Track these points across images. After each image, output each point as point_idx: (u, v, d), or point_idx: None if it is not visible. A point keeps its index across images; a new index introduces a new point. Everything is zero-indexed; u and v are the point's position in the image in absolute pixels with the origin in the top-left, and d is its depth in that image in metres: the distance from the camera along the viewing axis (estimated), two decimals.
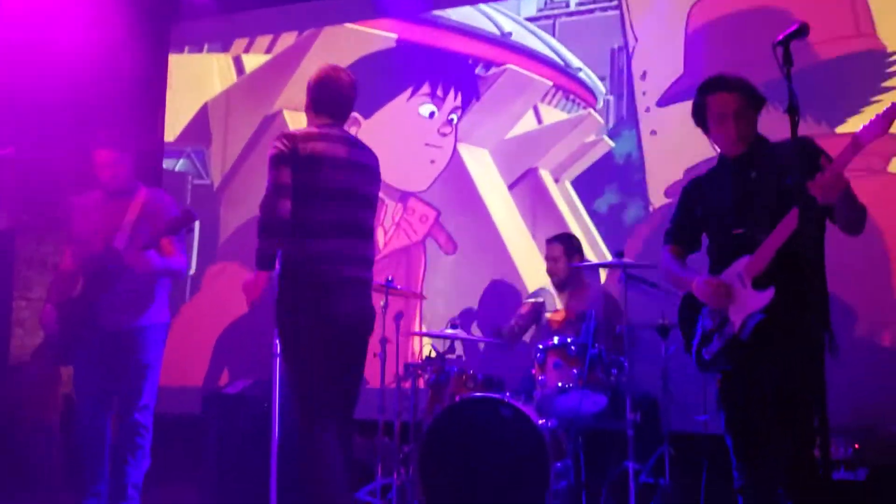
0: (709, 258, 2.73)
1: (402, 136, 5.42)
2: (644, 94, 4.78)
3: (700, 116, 2.71)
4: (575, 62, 5.14)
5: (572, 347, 3.76)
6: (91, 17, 5.32)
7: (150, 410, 3.66)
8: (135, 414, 3.62)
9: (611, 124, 4.94)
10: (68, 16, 5.26)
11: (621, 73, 4.97)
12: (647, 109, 4.79)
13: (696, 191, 2.79)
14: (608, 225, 4.79)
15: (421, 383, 4.20)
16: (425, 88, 5.39)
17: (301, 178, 2.84)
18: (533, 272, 4.97)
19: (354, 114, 5.43)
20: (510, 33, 5.31)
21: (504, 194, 5.18)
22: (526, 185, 5.15)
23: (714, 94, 2.65)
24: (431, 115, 5.37)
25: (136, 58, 5.68)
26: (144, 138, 5.68)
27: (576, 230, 4.90)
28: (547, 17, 5.24)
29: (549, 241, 4.43)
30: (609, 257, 4.19)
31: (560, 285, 4.36)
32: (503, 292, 4.97)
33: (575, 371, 3.73)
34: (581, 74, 5.12)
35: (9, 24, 5.10)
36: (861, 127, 2.31)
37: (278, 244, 2.82)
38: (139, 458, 3.62)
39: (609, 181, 4.91)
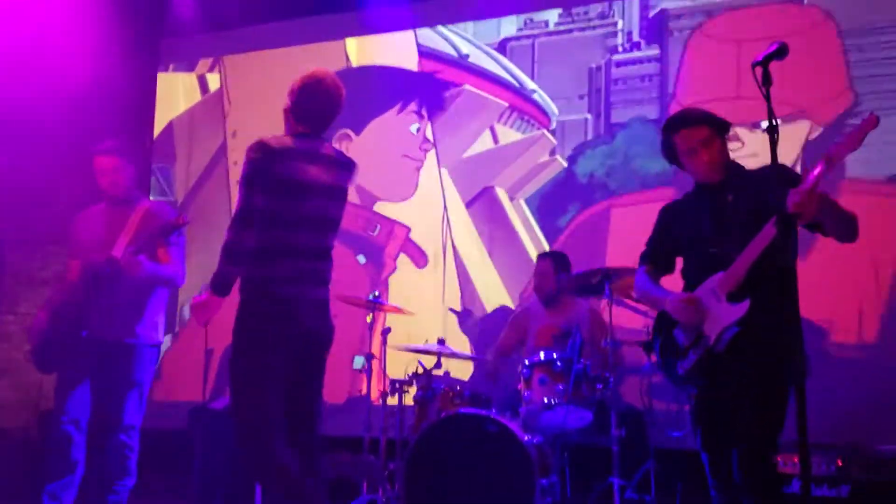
0: (683, 280, 2.76)
1: (392, 149, 5.52)
2: None
3: (670, 154, 2.77)
4: (529, 84, 5.29)
5: (558, 363, 3.77)
6: (82, 35, 5.34)
7: (136, 431, 3.59)
8: (120, 435, 3.54)
9: (656, 134, 4.94)
10: (59, 32, 5.28)
11: (598, 92, 5.05)
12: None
13: (672, 214, 2.85)
14: None
15: (407, 399, 4.20)
16: (413, 106, 5.46)
17: (275, 201, 2.72)
18: (487, 288, 5.13)
19: (346, 130, 5.61)
20: (467, 55, 5.45)
21: (461, 212, 5.28)
22: (482, 203, 5.29)
23: (678, 132, 2.71)
24: (418, 130, 5.45)
25: (125, 74, 5.70)
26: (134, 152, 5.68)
27: (530, 248, 5.08)
28: (527, 36, 5.33)
29: (540, 257, 4.48)
30: None
31: (547, 301, 4.38)
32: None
33: (560, 387, 3.73)
34: (535, 96, 5.26)
35: (1, 44, 5.12)
36: (834, 143, 2.35)
37: (239, 271, 2.73)
38: (125, 479, 3.57)
39: (572, 199, 5.05)
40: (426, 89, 5.49)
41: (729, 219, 2.64)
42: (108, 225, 3.68)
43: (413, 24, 5.56)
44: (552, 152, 5.16)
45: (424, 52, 5.54)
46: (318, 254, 2.84)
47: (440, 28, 5.51)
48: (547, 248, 5.04)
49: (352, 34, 5.68)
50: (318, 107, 2.87)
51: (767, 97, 2.20)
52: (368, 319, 4.39)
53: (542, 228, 5.10)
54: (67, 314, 3.59)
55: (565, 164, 5.09)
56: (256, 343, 2.72)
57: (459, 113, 5.40)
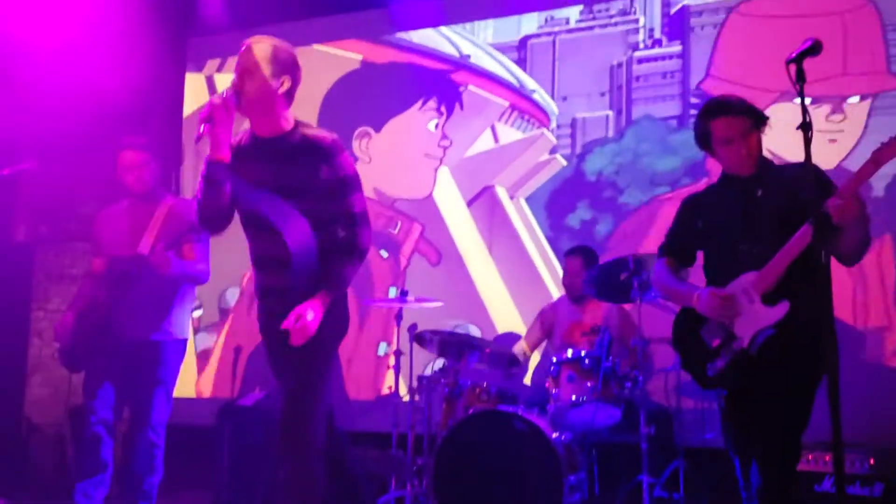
0: (705, 275, 2.72)
1: (412, 146, 5.57)
2: None
3: (704, 141, 2.70)
4: (530, 84, 5.31)
5: (586, 361, 3.76)
6: (110, 34, 5.39)
7: (162, 427, 3.62)
8: (148, 431, 3.58)
9: (666, 133, 4.92)
10: (87, 32, 5.33)
11: (620, 89, 5.04)
12: None
13: (697, 206, 2.78)
14: (581, 239, 4.89)
15: (435, 396, 4.21)
16: (432, 103, 5.48)
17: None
18: (488, 286, 5.17)
19: (366, 128, 5.64)
20: (469, 56, 5.48)
21: (463, 210, 5.32)
22: (483, 202, 5.32)
23: (717, 119, 2.64)
24: (436, 127, 5.49)
25: (153, 73, 5.74)
26: (163, 152, 5.73)
27: (530, 246, 5.12)
28: (547, 34, 5.32)
29: (568, 254, 4.44)
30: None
31: (576, 298, 4.36)
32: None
33: (589, 384, 3.72)
34: (535, 95, 5.28)
35: (30, 42, 5.17)
36: (881, 145, 2.32)
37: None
38: (152, 475, 3.61)
39: (581, 197, 5.05)
40: (443, 86, 5.50)
41: (759, 215, 2.60)
42: (133, 222, 3.70)
43: (438, 22, 5.55)
44: (552, 151, 5.18)
45: (426, 53, 5.55)
46: None
47: (442, 28, 5.52)
48: (547, 246, 5.09)
49: (378, 32, 5.69)
50: (299, 79, 2.67)
51: (801, 94, 2.18)
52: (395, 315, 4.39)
53: (551, 226, 5.12)
54: (93, 312, 3.61)
55: (564, 163, 5.12)
56: (338, 338, 2.75)
57: (461, 112, 5.43)
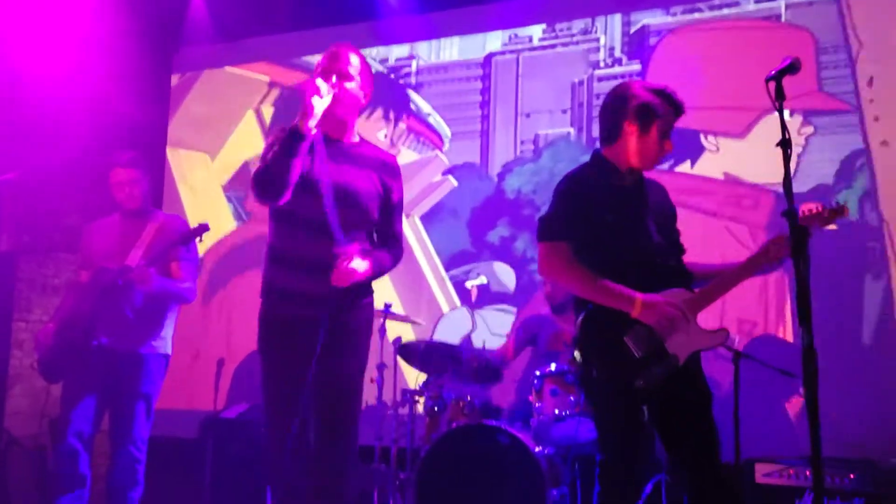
0: (600, 272, 2.50)
1: None
2: (871, 101, 4.49)
3: (646, 118, 2.55)
4: (425, 107, 5.48)
5: (569, 374, 3.77)
6: (96, 46, 5.39)
7: (144, 442, 3.60)
8: (129, 446, 3.56)
9: (580, 153, 4.95)
10: (73, 44, 5.32)
11: (581, 107, 5.13)
12: (877, 118, 4.50)
13: (591, 191, 2.55)
14: (501, 255, 5.07)
15: (418, 409, 4.20)
16: (379, 112, 5.59)
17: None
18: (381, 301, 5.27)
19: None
20: None
21: None
22: None
23: (671, 108, 2.58)
24: (385, 136, 5.61)
25: (139, 85, 5.74)
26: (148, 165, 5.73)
27: (423, 263, 5.25)
28: (511, 51, 5.40)
29: None
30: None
31: (558, 309, 4.37)
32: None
33: (572, 398, 3.73)
34: (430, 119, 5.44)
35: (14, 54, 5.16)
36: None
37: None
38: (134, 490, 3.57)
39: (501, 215, 5.20)
40: (390, 95, 5.56)
41: (665, 224, 2.63)
42: (122, 236, 3.70)
43: (421, 36, 5.60)
44: (445, 172, 5.37)
45: None
46: None
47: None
48: (439, 264, 5.24)
49: (365, 45, 5.71)
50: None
51: (780, 111, 2.20)
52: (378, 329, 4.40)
53: (473, 243, 5.25)
54: (76, 324, 3.59)
55: (455, 184, 5.32)
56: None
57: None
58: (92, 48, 5.38)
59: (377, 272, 2.66)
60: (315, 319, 2.56)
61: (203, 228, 3.49)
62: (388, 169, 2.73)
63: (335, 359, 2.59)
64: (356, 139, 2.74)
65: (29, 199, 5.32)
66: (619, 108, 2.59)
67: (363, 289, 2.67)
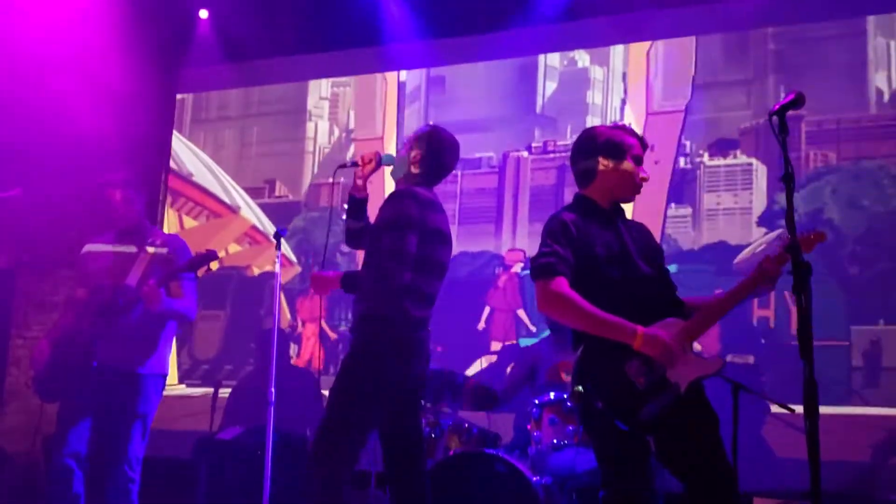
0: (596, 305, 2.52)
1: None
2: None
3: (617, 146, 2.66)
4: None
5: (568, 403, 3.75)
6: (100, 63, 5.41)
7: (139, 462, 3.57)
8: (123, 466, 3.52)
9: None
10: (77, 61, 5.35)
11: None
12: None
13: (586, 230, 2.60)
14: None
15: None
16: None
17: (425, 250, 2.89)
18: None
19: None
20: (191, 174, 6.25)
21: None
22: None
23: (634, 138, 2.69)
24: None
25: (143, 104, 5.77)
26: (149, 185, 5.75)
27: None
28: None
29: None
30: None
31: (557, 339, 4.36)
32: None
33: (570, 428, 3.71)
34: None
35: (16, 72, 5.18)
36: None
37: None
38: None
39: None
40: None
41: (650, 255, 2.66)
42: (118, 255, 3.69)
43: (427, 63, 5.63)
44: None
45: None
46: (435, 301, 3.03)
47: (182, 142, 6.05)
48: None
49: (371, 70, 5.75)
50: (450, 166, 3.09)
51: (783, 146, 2.22)
52: None
53: None
54: (71, 341, 3.58)
55: None
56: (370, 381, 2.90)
57: None
58: (97, 67, 5.41)
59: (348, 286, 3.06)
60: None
61: (212, 256, 3.48)
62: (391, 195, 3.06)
63: None
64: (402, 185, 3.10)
65: (29, 216, 5.32)
66: (589, 148, 2.69)
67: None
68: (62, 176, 5.42)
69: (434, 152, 2.99)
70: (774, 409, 4.13)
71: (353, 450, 2.84)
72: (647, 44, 5.18)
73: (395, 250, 2.81)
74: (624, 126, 2.78)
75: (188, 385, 5.79)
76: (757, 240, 4.73)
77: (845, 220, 4.44)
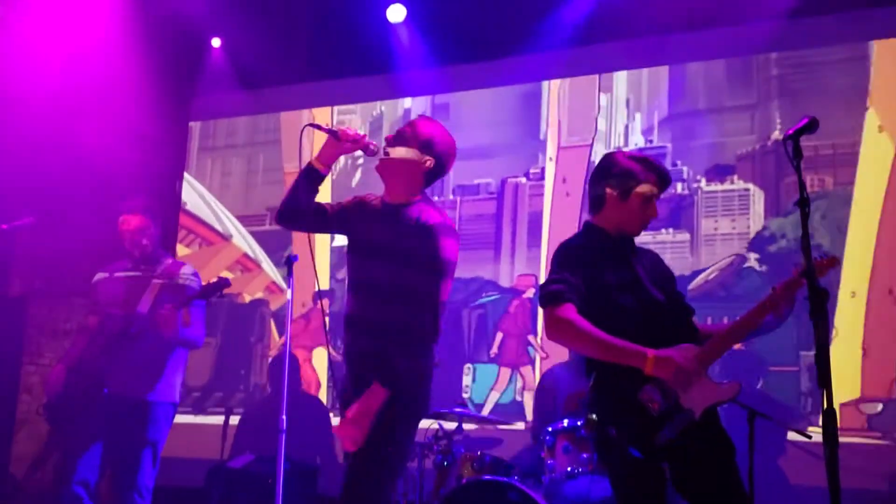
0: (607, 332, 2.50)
1: None
2: None
3: (627, 180, 2.62)
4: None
5: (582, 431, 3.71)
6: (113, 92, 5.46)
7: (149, 491, 3.56)
8: (133, 495, 3.52)
9: None
10: (90, 90, 5.40)
11: None
12: None
13: (595, 258, 2.59)
14: None
15: (427, 464, 4.14)
16: None
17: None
18: None
19: None
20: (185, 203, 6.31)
21: None
22: None
23: (652, 174, 2.63)
24: None
25: (156, 131, 5.81)
26: (162, 212, 5.76)
27: None
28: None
29: None
30: None
31: (572, 367, 4.33)
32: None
33: (585, 455, 3.66)
34: None
35: (32, 98, 5.23)
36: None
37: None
38: None
39: None
40: None
41: (662, 283, 2.64)
42: (130, 283, 3.70)
43: (438, 90, 5.65)
44: None
45: None
46: None
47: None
48: None
49: (383, 97, 5.79)
50: (447, 170, 2.79)
51: (798, 170, 2.20)
52: None
53: None
54: (85, 370, 3.58)
55: None
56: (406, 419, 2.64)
57: None
58: (111, 96, 5.45)
59: (393, 386, 2.58)
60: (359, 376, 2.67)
61: (224, 284, 3.47)
62: (422, 228, 2.62)
63: None
64: (415, 200, 2.71)
65: (42, 243, 5.35)
66: (601, 177, 2.69)
67: None
68: (75, 204, 5.44)
69: (443, 164, 2.73)
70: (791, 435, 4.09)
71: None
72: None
73: (432, 299, 2.52)
74: (645, 159, 2.68)
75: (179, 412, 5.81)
76: (713, 264, 4.73)
77: (834, 245, 4.41)
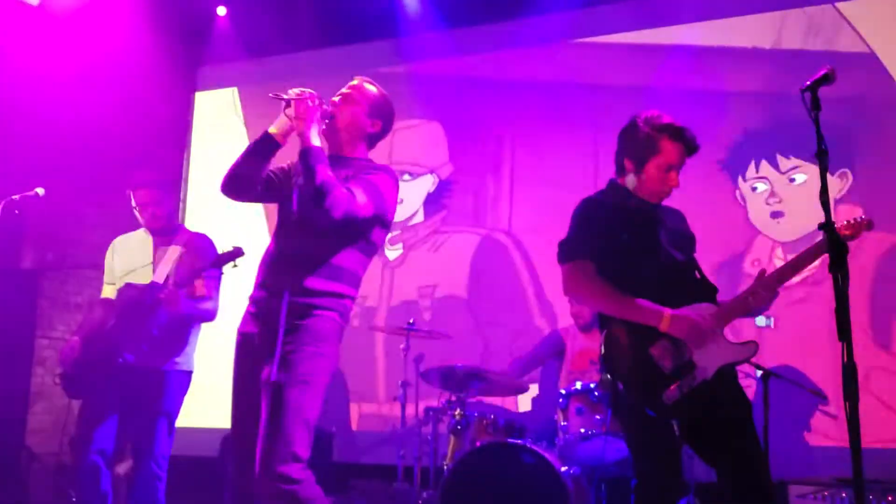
0: (622, 289, 2.51)
1: None
2: None
3: (641, 153, 2.59)
4: None
5: (595, 393, 3.71)
6: (119, 64, 5.43)
7: (165, 459, 3.56)
8: (151, 463, 3.52)
9: None
10: (98, 62, 5.36)
11: None
12: None
13: (615, 215, 2.57)
14: None
15: (441, 428, 4.15)
16: None
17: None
18: None
19: None
20: None
21: None
22: None
23: (675, 142, 2.58)
24: None
25: (162, 102, 5.78)
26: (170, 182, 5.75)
27: None
28: None
29: None
30: None
31: (585, 327, 4.32)
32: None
33: (598, 417, 3.67)
34: None
35: (40, 70, 5.21)
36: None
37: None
38: None
39: None
40: None
41: (682, 244, 2.61)
42: (146, 253, 3.69)
43: (448, 53, 5.59)
44: None
45: None
46: None
47: None
48: None
49: (390, 63, 5.72)
50: (387, 134, 2.74)
51: (816, 122, 2.17)
52: (402, 346, 4.36)
53: None
54: (101, 341, 3.58)
55: None
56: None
57: None
58: (117, 66, 5.42)
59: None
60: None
61: (238, 253, 3.44)
62: (363, 164, 2.65)
63: None
64: (363, 157, 2.70)
65: (52, 215, 5.35)
66: (622, 143, 2.66)
67: None
68: (85, 176, 5.43)
69: (387, 128, 2.70)
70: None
71: None
72: None
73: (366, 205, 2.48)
74: (670, 126, 2.60)
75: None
76: None
77: None
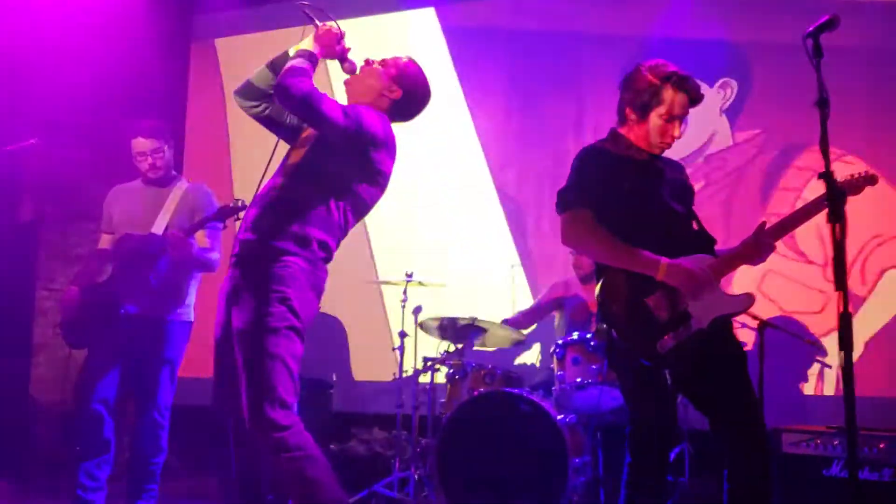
0: (623, 239, 2.50)
1: None
2: None
3: (643, 102, 2.56)
4: None
5: (592, 343, 3.73)
6: (115, 13, 5.35)
7: (167, 409, 3.62)
8: (153, 412, 3.58)
9: None
10: (92, 11, 5.28)
11: None
12: None
13: (615, 165, 2.56)
14: None
15: (439, 377, 4.19)
16: None
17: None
18: None
19: None
20: None
21: None
22: None
23: (677, 92, 2.56)
24: None
25: (159, 50, 5.70)
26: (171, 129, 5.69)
27: None
28: None
29: None
30: None
31: (585, 278, 4.34)
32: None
33: (594, 367, 3.70)
34: None
35: (35, 21, 5.13)
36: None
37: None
38: (158, 455, 3.60)
39: None
40: None
41: (682, 195, 2.61)
42: (145, 203, 3.69)
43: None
44: None
45: None
46: None
47: None
48: None
49: (386, 10, 5.64)
50: (413, 112, 2.77)
51: (818, 69, 2.15)
52: (401, 299, 4.38)
53: None
54: (101, 291, 3.60)
55: None
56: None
57: None
58: (114, 14, 5.34)
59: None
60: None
61: (240, 207, 3.44)
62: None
63: None
64: None
65: (50, 167, 5.32)
66: (623, 90, 2.64)
67: None
68: (82, 126, 5.39)
69: (411, 101, 2.72)
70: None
71: None
72: None
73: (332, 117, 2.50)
74: (674, 74, 2.55)
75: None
76: None
77: None
